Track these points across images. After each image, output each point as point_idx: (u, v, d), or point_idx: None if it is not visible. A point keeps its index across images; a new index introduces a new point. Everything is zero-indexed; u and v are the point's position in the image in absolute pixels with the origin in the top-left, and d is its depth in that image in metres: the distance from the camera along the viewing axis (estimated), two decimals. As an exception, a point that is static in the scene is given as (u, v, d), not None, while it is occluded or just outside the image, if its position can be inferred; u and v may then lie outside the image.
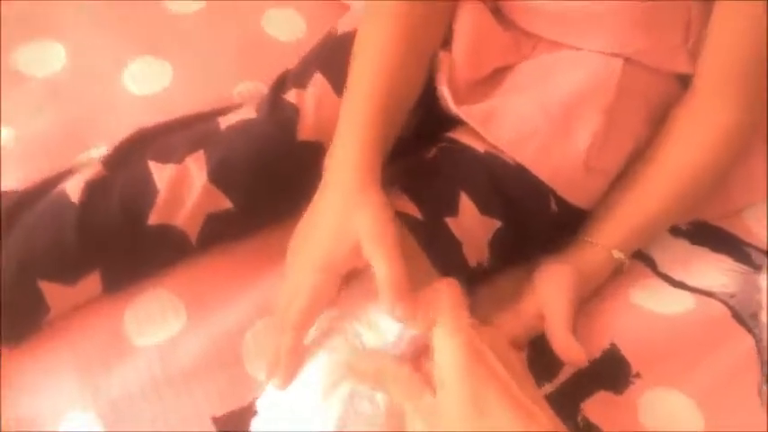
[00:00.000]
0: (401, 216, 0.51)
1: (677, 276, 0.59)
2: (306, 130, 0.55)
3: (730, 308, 0.57)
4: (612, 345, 0.53)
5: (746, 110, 0.57)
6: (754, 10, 0.53)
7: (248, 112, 0.57)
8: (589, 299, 0.55)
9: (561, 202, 0.55)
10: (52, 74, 0.64)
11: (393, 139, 0.53)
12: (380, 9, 0.55)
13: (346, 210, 0.47)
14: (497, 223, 0.53)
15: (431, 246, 0.51)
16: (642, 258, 0.59)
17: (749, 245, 0.61)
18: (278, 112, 0.56)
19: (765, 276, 0.58)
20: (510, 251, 0.55)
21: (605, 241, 0.55)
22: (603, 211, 0.57)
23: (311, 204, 0.50)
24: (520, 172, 0.54)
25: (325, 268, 0.46)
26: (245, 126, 0.56)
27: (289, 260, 0.49)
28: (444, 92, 0.56)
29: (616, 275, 0.56)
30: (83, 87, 0.63)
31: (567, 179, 0.55)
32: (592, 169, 0.56)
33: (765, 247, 0.61)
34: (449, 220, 0.52)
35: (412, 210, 0.52)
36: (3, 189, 0.55)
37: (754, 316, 0.57)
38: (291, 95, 0.56)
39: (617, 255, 0.55)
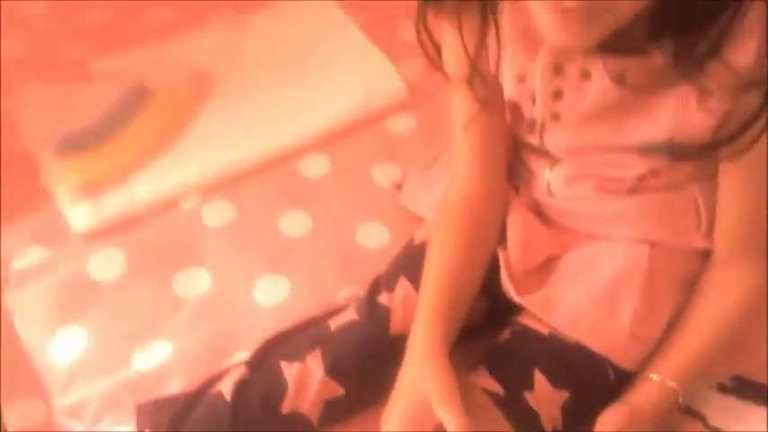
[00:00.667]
0: (487, 393, 0.64)
1: (728, 428, 0.68)
2: (396, 326, 0.71)
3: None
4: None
5: (761, 270, 0.67)
6: (754, 170, 0.64)
7: (351, 314, 0.73)
8: None
9: (617, 369, 0.67)
10: (200, 295, 0.83)
11: (459, 321, 0.67)
12: (446, 224, 0.73)
13: (419, 376, 0.61)
14: (566, 394, 0.66)
15: (513, 417, 0.63)
16: (693, 414, 0.69)
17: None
18: (374, 312, 0.72)
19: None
20: (579, 416, 0.66)
21: (657, 373, 0.65)
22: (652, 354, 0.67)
23: (397, 379, 0.64)
24: (579, 348, 0.67)
25: (404, 427, 0.58)
26: (350, 326, 0.71)
27: (382, 428, 0.63)
28: (507, 285, 0.71)
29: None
30: (224, 304, 0.81)
31: (617, 348, 0.67)
32: (637, 337, 0.67)
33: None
34: (526, 394, 0.65)
35: (495, 387, 0.65)
36: (168, 394, 0.72)
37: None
38: (383, 298, 0.72)
39: (670, 384, 0.64)
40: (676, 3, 0.55)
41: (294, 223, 0.89)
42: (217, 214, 0.91)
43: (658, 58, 0.59)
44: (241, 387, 0.68)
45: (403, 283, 0.73)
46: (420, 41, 0.68)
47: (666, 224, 0.70)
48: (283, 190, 0.93)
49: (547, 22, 0.55)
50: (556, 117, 0.66)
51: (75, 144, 0.95)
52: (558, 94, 0.64)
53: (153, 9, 1.18)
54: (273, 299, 0.81)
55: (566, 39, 0.56)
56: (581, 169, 0.70)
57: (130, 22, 1.17)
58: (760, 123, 0.59)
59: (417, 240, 0.77)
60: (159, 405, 0.70)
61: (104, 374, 0.76)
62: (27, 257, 0.87)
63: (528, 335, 0.69)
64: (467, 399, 0.60)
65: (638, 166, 0.67)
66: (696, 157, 0.64)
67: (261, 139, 0.97)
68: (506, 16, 0.64)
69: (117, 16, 1.17)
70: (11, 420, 0.76)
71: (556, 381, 0.65)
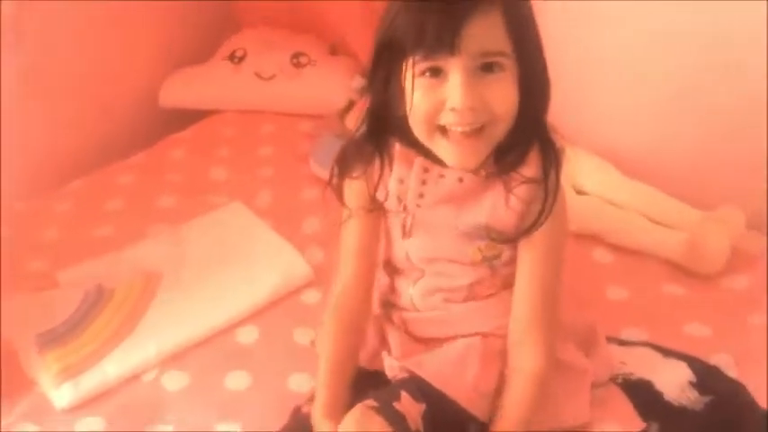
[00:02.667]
0: (369, 408, 0.88)
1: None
2: None
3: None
4: None
5: (547, 348, 0.94)
6: (545, 261, 0.95)
7: None
8: None
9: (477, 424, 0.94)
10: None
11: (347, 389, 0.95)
12: (332, 322, 1.01)
13: None
14: (423, 406, 0.91)
15: (388, 418, 0.87)
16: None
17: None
18: None
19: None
20: (437, 425, 0.92)
21: None
22: None
23: None
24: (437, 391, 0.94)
25: None
26: None
27: None
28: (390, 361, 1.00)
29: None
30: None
31: (463, 395, 0.94)
32: (481, 392, 0.95)
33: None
34: (395, 404, 0.90)
35: (374, 404, 0.89)
36: None
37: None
38: None
39: None
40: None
41: (237, 380, 1.15)
42: (174, 381, 1.15)
43: (482, 172, 0.93)
44: None
45: None
46: (331, 193, 0.99)
47: (488, 322, 1.00)
48: (225, 356, 1.19)
49: (450, 152, 0.88)
50: (421, 196, 0.95)
51: (52, 339, 1.19)
52: (423, 182, 0.95)
53: (98, 227, 1.47)
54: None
55: (464, 161, 0.89)
56: (433, 283, 1.00)
57: (81, 238, 1.44)
58: (542, 218, 0.92)
59: (304, 410, 1.01)
60: None
61: None
62: (21, 434, 1.08)
63: (398, 379, 0.97)
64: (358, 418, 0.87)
65: (468, 275, 0.99)
66: (506, 241, 0.95)
67: (203, 320, 1.24)
68: (394, 151, 0.95)
69: (69, 234, 1.45)
70: None
71: (415, 398, 0.91)
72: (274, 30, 1.93)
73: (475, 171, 0.94)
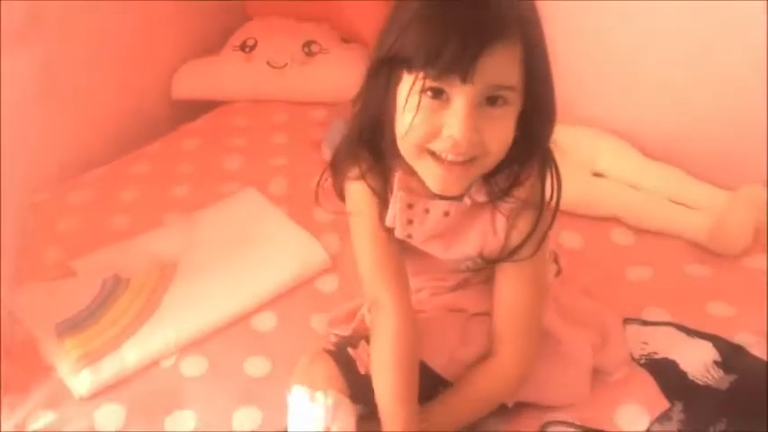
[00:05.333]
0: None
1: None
2: None
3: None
4: None
5: (525, 355, 0.96)
6: (526, 278, 0.94)
7: None
8: None
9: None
10: (190, 431, 1.06)
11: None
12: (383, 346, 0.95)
13: None
14: None
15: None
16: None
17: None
18: None
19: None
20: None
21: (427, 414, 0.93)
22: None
23: None
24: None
25: None
26: None
27: None
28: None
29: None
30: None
31: (441, 363, 0.96)
32: (455, 360, 0.97)
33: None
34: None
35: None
36: None
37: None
38: None
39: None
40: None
41: (256, 366, 1.15)
42: (193, 367, 1.15)
43: (466, 201, 0.91)
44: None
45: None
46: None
47: (474, 305, 1.02)
48: (243, 343, 1.19)
49: (433, 177, 0.84)
50: (409, 236, 0.94)
51: (71, 327, 1.19)
52: (410, 222, 0.93)
53: (113, 216, 1.47)
54: (250, 425, 1.05)
55: (446, 188, 0.86)
56: (419, 283, 1.03)
57: (97, 228, 1.44)
58: (534, 241, 0.91)
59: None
60: None
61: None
62: (40, 421, 1.07)
63: None
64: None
65: (453, 279, 1.02)
66: (494, 262, 0.95)
67: (221, 306, 1.23)
68: (396, 174, 0.91)
69: (85, 224, 1.45)
70: None
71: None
72: (285, 18, 1.91)
73: (459, 199, 0.91)
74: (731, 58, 1.35)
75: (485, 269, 0.99)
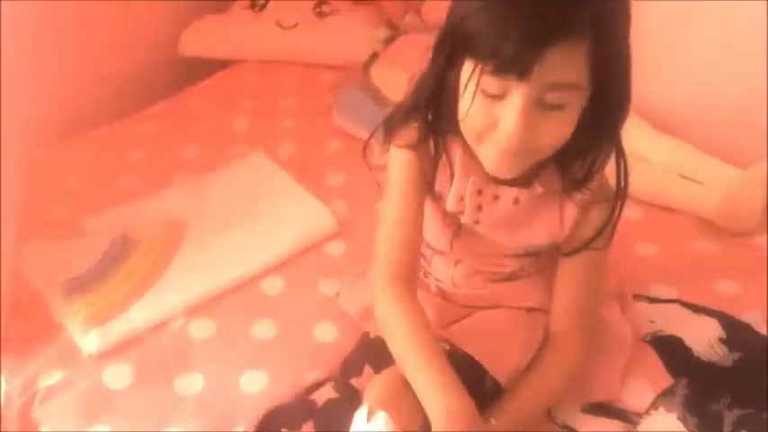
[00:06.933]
0: None
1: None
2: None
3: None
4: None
5: (587, 343, 0.96)
6: (591, 264, 0.93)
7: (330, 392, 0.98)
8: None
9: (493, 381, 0.92)
10: (197, 392, 1.06)
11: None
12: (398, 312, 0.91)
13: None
14: None
15: None
16: (567, 429, 0.98)
17: (627, 411, 1.01)
18: (349, 393, 0.97)
19: (639, 426, 0.98)
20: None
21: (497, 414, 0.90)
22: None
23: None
24: (468, 361, 0.91)
25: None
26: (332, 402, 0.97)
27: None
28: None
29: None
30: (218, 396, 1.05)
31: (502, 372, 0.93)
32: (519, 370, 0.95)
33: (636, 411, 1.00)
34: None
35: None
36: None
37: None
38: (354, 382, 0.98)
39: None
40: (563, 150, 0.82)
41: (264, 330, 1.15)
42: (201, 329, 1.16)
43: (538, 188, 0.90)
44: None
45: (368, 371, 0.98)
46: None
47: (532, 298, 1.02)
48: (251, 306, 1.19)
49: (490, 160, 0.83)
50: (477, 222, 0.93)
51: (79, 286, 1.19)
52: (479, 208, 0.91)
53: (121, 176, 1.46)
54: (257, 387, 1.06)
55: (502, 170, 0.84)
56: (475, 267, 1.01)
57: (104, 186, 1.44)
58: (607, 232, 0.90)
59: (373, 335, 1.02)
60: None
61: (132, 457, 0.98)
62: (50, 378, 1.08)
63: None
64: None
65: (511, 265, 1.00)
66: (556, 251, 0.94)
67: (228, 269, 1.23)
68: (455, 153, 0.89)
69: (92, 183, 1.44)
70: None
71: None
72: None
73: (530, 187, 0.89)
74: (748, 31, 1.33)
75: (547, 257, 0.98)
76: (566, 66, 0.75)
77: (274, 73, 1.75)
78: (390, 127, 0.93)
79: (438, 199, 0.95)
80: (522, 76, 0.75)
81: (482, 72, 0.76)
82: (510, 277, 1.01)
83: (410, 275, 0.94)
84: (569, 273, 0.96)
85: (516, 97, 0.77)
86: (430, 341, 0.87)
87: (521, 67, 0.74)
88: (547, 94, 0.77)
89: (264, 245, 1.28)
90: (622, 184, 0.89)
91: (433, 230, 0.99)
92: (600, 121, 0.82)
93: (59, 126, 1.58)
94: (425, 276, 1.06)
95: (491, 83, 0.77)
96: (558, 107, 0.78)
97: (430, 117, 0.88)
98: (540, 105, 0.77)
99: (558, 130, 0.80)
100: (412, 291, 0.93)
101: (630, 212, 1.34)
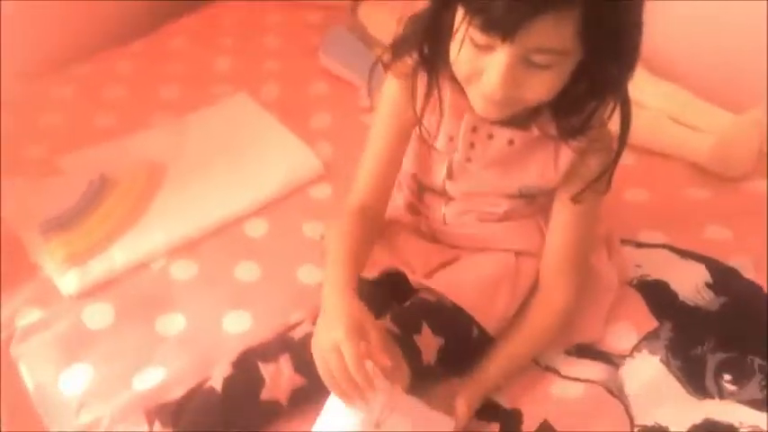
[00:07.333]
0: (389, 332, 0.88)
1: (574, 376, 0.98)
2: None
3: (606, 389, 0.96)
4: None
5: (576, 288, 0.96)
6: (584, 211, 0.94)
7: (308, 327, 0.96)
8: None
9: (479, 329, 0.94)
10: (179, 332, 1.05)
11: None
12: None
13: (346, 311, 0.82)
14: (441, 340, 0.91)
15: (404, 350, 0.87)
16: (551, 370, 0.99)
17: (610, 353, 1.01)
18: None
19: (622, 368, 0.98)
20: (449, 359, 0.93)
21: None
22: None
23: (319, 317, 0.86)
24: (455, 311, 0.93)
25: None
26: (309, 336, 0.94)
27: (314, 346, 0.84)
28: (413, 277, 0.97)
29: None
30: (200, 336, 1.04)
31: (490, 320, 0.94)
32: (507, 318, 0.96)
33: (620, 353, 1.00)
34: (415, 336, 0.90)
35: (395, 330, 0.90)
36: (169, 399, 0.93)
37: (620, 390, 0.96)
38: None
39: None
40: (560, 98, 0.82)
41: (247, 272, 1.13)
42: (183, 270, 1.13)
43: (534, 131, 0.89)
44: (228, 381, 0.91)
45: None
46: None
47: (522, 241, 1.01)
48: (234, 248, 1.17)
49: (477, 102, 0.83)
50: (469, 160, 0.93)
51: (57, 225, 1.16)
52: (472, 145, 0.92)
53: (99, 114, 1.42)
54: (240, 328, 1.05)
55: (489, 113, 0.84)
56: (468, 206, 1.00)
57: (82, 125, 1.39)
58: (605, 179, 0.90)
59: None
60: (162, 406, 0.92)
61: (112, 396, 0.96)
62: (27, 317, 1.06)
63: (421, 302, 0.95)
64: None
65: (504, 205, 0.98)
66: (549, 194, 0.94)
67: (211, 211, 1.21)
68: (446, 91, 0.89)
69: (69, 121, 1.40)
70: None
71: (436, 330, 0.92)
72: None
73: (526, 128, 0.89)
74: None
75: (541, 200, 0.98)
76: (553, 33, 0.75)
77: (258, 10, 1.69)
78: (390, 56, 0.92)
79: (428, 137, 0.94)
80: (506, 38, 0.75)
81: (471, 23, 0.77)
82: (502, 218, 1.00)
83: (374, 213, 0.98)
84: (564, 218, 0.96)
85: (501, 54, 0.77)
86: (349, 267, 0.89)
87: (506, 29, 0.74)
88: (532, 55, 0.77)
89: (248, 188, 1.25)
90: (625, 136, 0.88)
91: (425, 168, 0.98)
92: (599, 76, 0.81)
93: (36, 63, 1.53)
94: (416, 214, 1.04)
95: (479, 36, 0.77)
96: (545, 67, 0.78)
97: (426, 50, 0.87)
98: (525, 63, 0.77)
99: (544, 85, 0.80)
100: (365, 226, 0.96)
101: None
